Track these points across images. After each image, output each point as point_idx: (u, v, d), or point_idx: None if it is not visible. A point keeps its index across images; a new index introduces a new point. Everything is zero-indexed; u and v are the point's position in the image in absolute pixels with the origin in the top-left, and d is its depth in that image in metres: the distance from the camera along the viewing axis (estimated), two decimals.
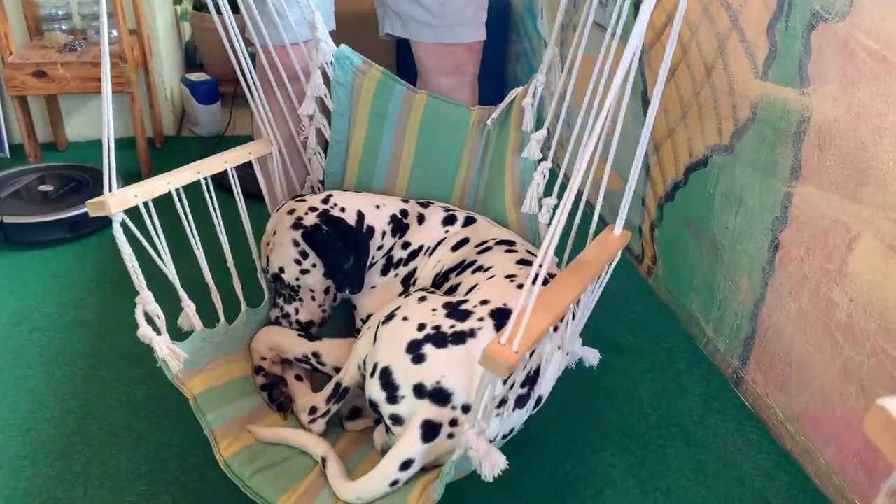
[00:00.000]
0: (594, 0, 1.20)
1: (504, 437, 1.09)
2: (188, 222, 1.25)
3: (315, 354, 1.30)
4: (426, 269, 1.34)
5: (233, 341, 1.33)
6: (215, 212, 1.29)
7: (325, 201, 1.37)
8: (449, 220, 1.40)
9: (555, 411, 1.46)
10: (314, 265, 1.33)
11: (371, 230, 1.37)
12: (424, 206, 1.42)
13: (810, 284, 1.31)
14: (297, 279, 1.35)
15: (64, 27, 2.39)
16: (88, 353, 1.59)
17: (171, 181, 1.23)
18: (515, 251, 1.28)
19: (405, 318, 1.12)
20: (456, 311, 1.11)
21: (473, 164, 1.52)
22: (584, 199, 1.24)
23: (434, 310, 1.12)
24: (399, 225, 1.39)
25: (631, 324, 1.77)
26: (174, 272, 1.21)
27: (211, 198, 1.28)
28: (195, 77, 2.78)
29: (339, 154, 1.56)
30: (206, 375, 1.23)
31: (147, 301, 1.16)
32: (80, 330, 1.67)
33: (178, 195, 1.24)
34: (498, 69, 2.99)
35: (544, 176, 1.39)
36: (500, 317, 1.09)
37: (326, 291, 1.38)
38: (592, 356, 1.27)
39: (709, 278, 1.64)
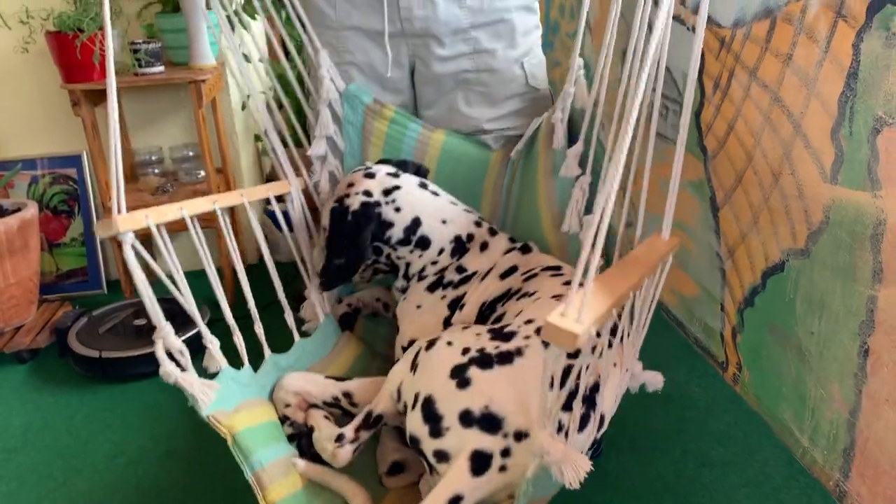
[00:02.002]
0: (655, 111, 1.22)
1: None
2: (205, 254, 1.22)
3: (347, 395, 1.21)
4: (474, 297, 1.29)
5: (260, 389, 1.27)
6: (233, 245, 1.28)
7: (387, 193, 1.33)
8: (509, 251, 1.36)
9: None
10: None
11: (425, 241, 1.33)
12: (493, 233, 1.37)
13: None
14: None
15: (157, 171, 2.58)
16: (181, 486, 1.64)
17: (184, 207, 1.21)
18: (561, 274, 1.24)
19: (449, 343, 1.06)
20: (501, 334, 1.05)
21: (498, 201, 1.51)
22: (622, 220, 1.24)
23: (479, 334, 1.07)
24: (460, 248, 1.34)
25: (719, 434, 1.71)
26: (193, 305, 1.16)
27: (227, 232, 1.27)
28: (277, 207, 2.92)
29: None
30: (241, 415, 1.15)
31: (167, 335, 1.10)
32: (173, 461, 1.72)
33: (192, 222, 1.22)
34: None
35: (584, 191, 1.34)
36: None
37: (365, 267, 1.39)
38: (655, 381, 1.16)
39: (798, 385, 1.59)
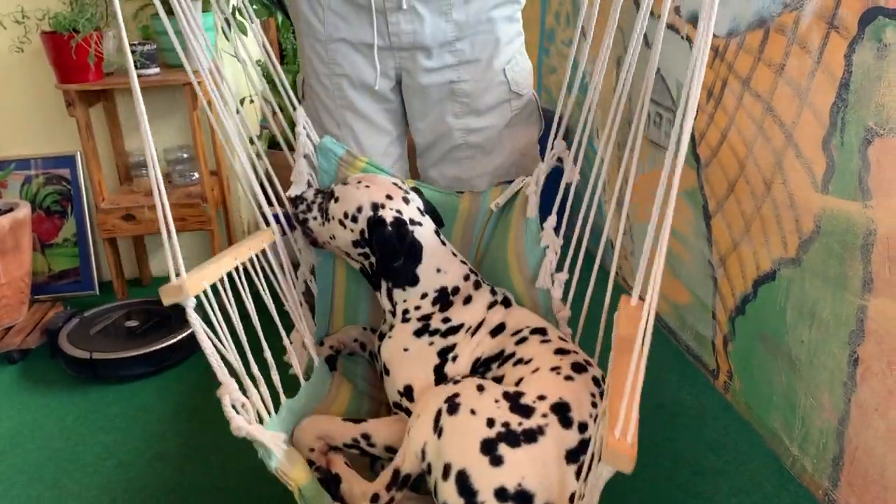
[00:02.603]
0: (642, 118, 1.23)
1: None
2: (232, 311, 1.21)
3: (365, 436, 1.28)
4: (466, 351, 1.33)
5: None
6: (247, 297, 1.27)
7: (412, 223, 1.38)
8: (491, 305, 1.39)
9: None
10: (352, 230, 1.38)
11: (414, 279, 1.38)
12: (477, 286, 1.41)
13: None
14: (333, 218, 1.39)
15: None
16: (170, 488, 1.63)
17: (222, 265, 1.22)
18: (549, 340, 1.30)
19: (472, 412, 1.10)
20: (518, 406, 1.12)
21: (467, 245, 1.57)
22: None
23: (497, 401, 1.13)
24: (444, 299, 1.37)
25: (711, 443, 1.72)
26: (239, 361, 1.16)
27: (245, 293, 1.26)
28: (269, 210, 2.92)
29: None
30: (301, 466, 1.21)
31: (232, 390, 1.11)
32: (162, 464, 1.71)
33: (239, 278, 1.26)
34: (553, 181, 3.05)
35: (556, 253, 1.45)
36: (562, 410, 1.11)
37: (338, 251, 1.44)
38: None
39: (788, 394, 1.59)
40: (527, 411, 1.11)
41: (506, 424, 1.08)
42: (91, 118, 2.39)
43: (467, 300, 1.39)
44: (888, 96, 1.23)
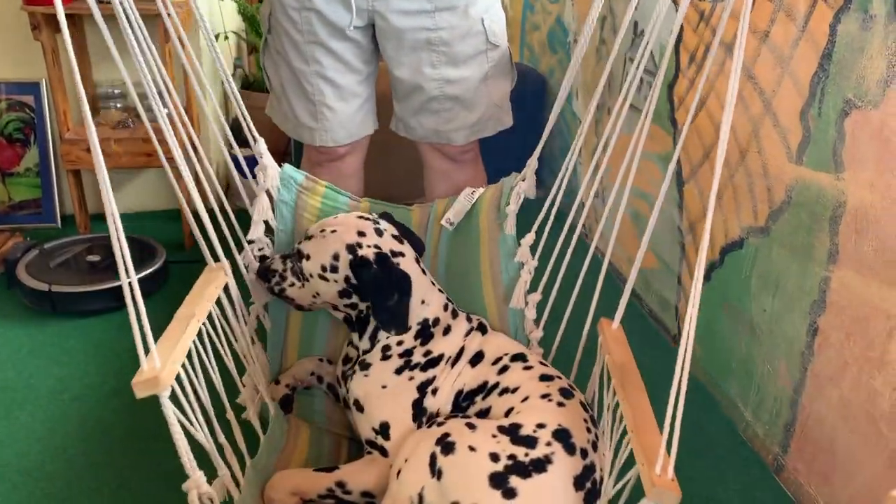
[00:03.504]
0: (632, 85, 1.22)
1: None
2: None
3: (339, 484, 1.21)
4: (447, 383, 1.29)
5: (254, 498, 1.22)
6: (209, 359, 1.15)
7: (394, 255, 1.30)
8: (468, 332, 1.36)
9: None
10: (335, 281, 1.29)
11: None
12: (455, 315, 1.37)
13: (851, 371, 1.29)
14: (312, 276, 1.31)
15: (119, 105, 2.51)
16: (126, 424, 1.62)
17: (189, 329, 1.09)
18: (532, 366, 1.28)
19: (472, 448, 1.08)
20: (519, 437, 1.10)
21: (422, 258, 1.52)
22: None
23: (494, 436, 1.10)
24: (425, 331, 1.33)
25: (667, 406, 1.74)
26: (211, 443, 1.08)
27: (205, 348, 1.15)
28: (241, 152, 2.87)
29: None
30: None
31: (200, 484, 1.02)
32: (119, 400, 1.69)
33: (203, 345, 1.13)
34: (533, 145, 3.04)
35: (531, 273, 1.45)
36: (564, 437, 1.10)
37: (325, 305, 1.36)
38: None
39: (747, 362, 1.62)
40: (530, 441, 1.09)
41: (512, 457, 1.06)
42: (58, 44, 2.31)
43: (446, 330, 1.34)
44: (869, 68, 1.23)
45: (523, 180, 1.46)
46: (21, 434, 1.58)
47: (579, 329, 1.31)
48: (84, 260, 2.20)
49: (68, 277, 2.08)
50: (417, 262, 1.35)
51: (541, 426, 1.12)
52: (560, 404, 1.17)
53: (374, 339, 1.33)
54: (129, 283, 0.92)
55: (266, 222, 1.47)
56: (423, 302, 1.32)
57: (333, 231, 1.31)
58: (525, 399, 1.20)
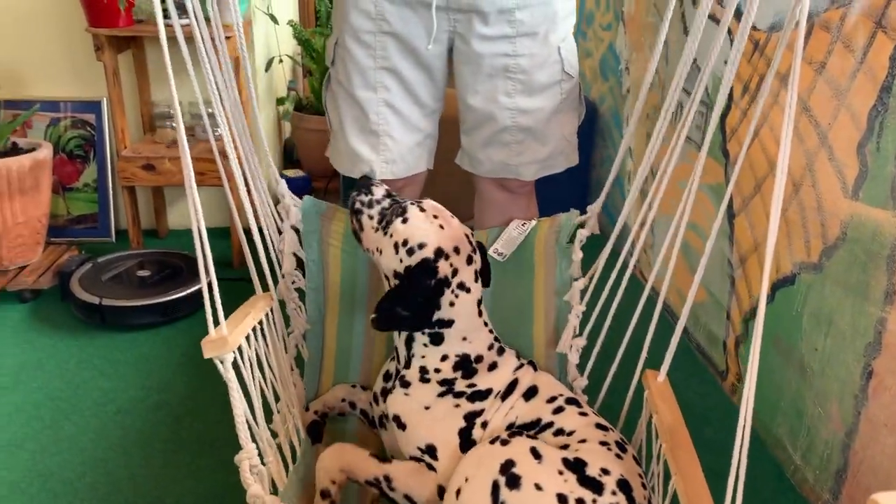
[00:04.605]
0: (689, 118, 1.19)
1: None
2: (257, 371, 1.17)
3: (387, 478, 1.21)
4: (499, 415, 1.26)
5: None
6: (268, 356, 1.23)
7: (460, 287, 1.26)
8: (519, 367, 1.33)
9: None
10: (400, 261, 1.24)
11: (439, 339, 1.29)
12: (501, 352, 1.33)
13: None
14: (392, 236, 1.25)
15: (174, 124, 2.57)
16: (167, 438, 1.64)
17: (251, 315, 1.18)
18: (587, 413, 1.25)
19: (538, 487, 1.05)
20: (586, 478, 1.06)
21: None
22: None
23: (560, 472, 1.07)
24: (466, 367, 1.29)
25: (713, 444, 1.68)
26: (264, 424, 1.14)
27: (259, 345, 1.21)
28: (290, 173, 2.92)
29: (316, 300, 1.53)
30: None
31: (252, 456, 1.06)
32: (162, 413, 1.72)
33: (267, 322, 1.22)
34: (581, 173, 3.02)
35: (578, 317, 1.43)
36: (627, 490, 1.07)
37: (378, 263, 1.31)
38: None
39: (797, 402, 1.56)
40: (597, 486, 1.06)
41: (580, 501, 1.03)
42: (119, 64, 2.39)
43: (492, 367, 1.30)
44: None
45: (583, 226, 1.45)
46: (65, 444, 1.61)
47: (625, 375, 1.27)
48: (135, 275, 2.25)
49: (119, 291, 2.13)
50: (478, 303, 1.30)
51: (605, 472, 1.08)
52: (618, 456, 1.13)
53: (409, 348, 1.30)
54: (204, 254, 1.00)
55: (295, 255, 1.49)
56: (464, 339, 1.28)
57: (441, 226, 1.26)
58: (583, 441, 1.16)
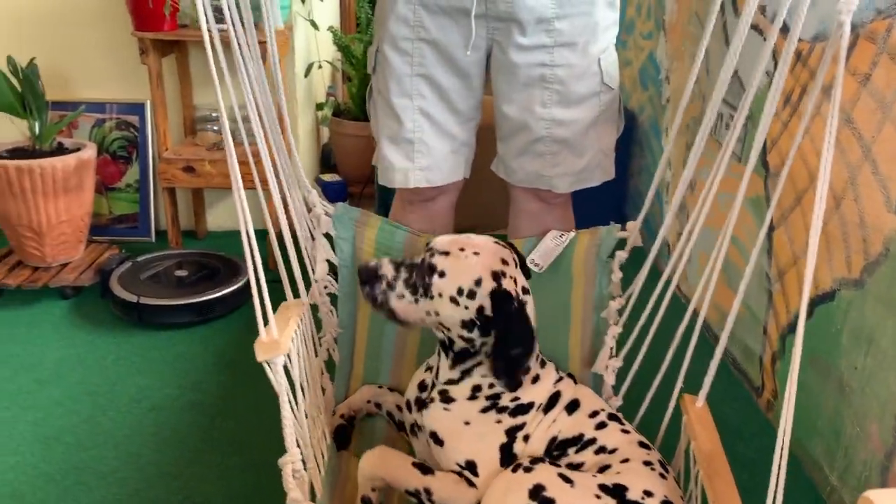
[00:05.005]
0: (734, 135, 1.17)
1: None
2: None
3: (427, 491, 1.18)
4: (540, 429, 1.23)
5: None
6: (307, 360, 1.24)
7: (524, 291, 1.23)
8: (559, 380, 1.30)
9: None
10: (466, 308, 1.18)
11: None
12: (542, 365, 1.30)
13: None
14: (441, 295, 1.19)
15: (215, 128, 2.61)
16: (198, 436, 1.66)
17: (292, 316, 1.20)
18: (629, 431, 1.23)
19: None
20: (626, 502, 1.04)
21: None
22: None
23: (598, 496, 1.05)
24: None
25: (747, 462, 1.66)
26: (307, 429, 1.15)
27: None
28: (328, 177, 2.95)
29: (348, 305, 1.53)
30: None
31: (295, 460, 1.05)
32: (195, 412, 1.74)
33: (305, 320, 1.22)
34: (620, 183, 2.99)
35: (614, 338, 1.41)
36: None
37: (437, 326, 1.23)
38: None
39: (834, 421, 1.52)
40: None
41: None
42: (163, 68, 2.43)
43: (535, 379, 1.27)
44: None
45: (622, 245, 1.43)
46: (101, 438, 1.64)
47: (661, 395, 1.25)
48: (173, 274, 2.29)
49: (157, 290, 2.17)
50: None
51: (648, 494, 1.05)
52: (662, 476, 1.10)
53: (466, 374, 1.25)
54: (252, 255, 1.01)
55: (328, 260, 1.50)
56: None
57: (476, 253, 1.19)
58: (625, 461, 1.14)
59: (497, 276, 1.18)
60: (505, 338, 1.18)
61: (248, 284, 2.29)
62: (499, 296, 1.17)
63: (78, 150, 2.28)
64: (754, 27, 1.90)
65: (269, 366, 1.03)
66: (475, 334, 1.20)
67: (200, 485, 1.51)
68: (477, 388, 1.24)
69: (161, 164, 2.45)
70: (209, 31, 0.99)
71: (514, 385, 1.19)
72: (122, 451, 1.60)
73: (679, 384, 1.21)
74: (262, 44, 2.32)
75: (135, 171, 2.67)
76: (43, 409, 1.74)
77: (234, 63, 1.09)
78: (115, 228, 2.71)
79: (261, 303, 1.01)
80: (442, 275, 1.18)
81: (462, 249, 1.20)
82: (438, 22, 1.43)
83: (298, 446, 1.08)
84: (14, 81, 2.17)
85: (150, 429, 1.68)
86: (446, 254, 1.19)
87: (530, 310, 1.23)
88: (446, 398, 1.25)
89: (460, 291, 1.17)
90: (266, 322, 1.03)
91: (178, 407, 1.77)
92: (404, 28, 1.45)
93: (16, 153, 2.23)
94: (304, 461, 1.10)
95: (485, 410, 1.23)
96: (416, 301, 1.21)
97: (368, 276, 1.23)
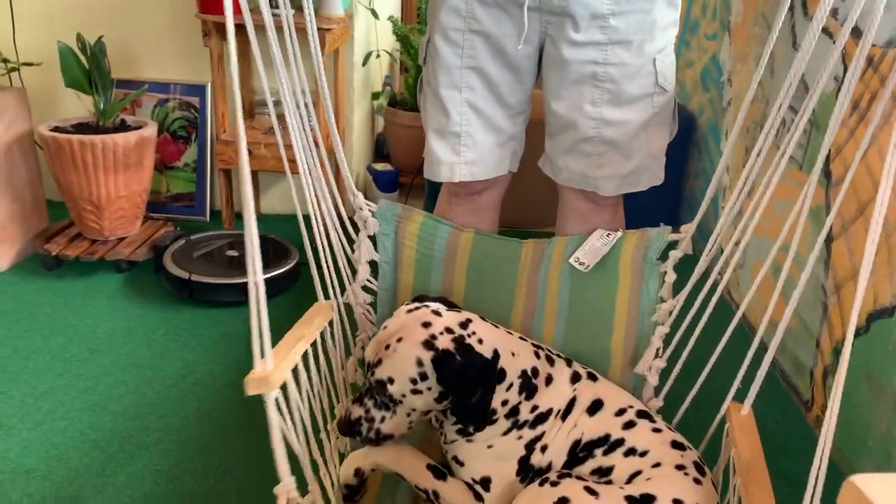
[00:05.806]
0: (793, 141, 1.13)
1: None
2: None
3: (435, 493, 1.18)
4: (560, 435, 1.20)
5: None
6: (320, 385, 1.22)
7: (464, 326, 1.20)
8: (575, 378, 1.27)
9: None
10: (429, 388, 1.15)
11: (503, 374, 1.21)
12: (551, 363, 1.27)
13: None
14: (404, 396, 1.16)
15: (269, 113, 2.65)
16: (239, 415, 1.69)
17: (303, 338, 1.17)
18: (661, 429, 1.18)
19: None
20: None
21: (533, 296, 1.46)
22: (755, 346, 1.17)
23: None
24: (528, 385, 1.23)
25: (791, 477, 1.61)
26: (308, 458, 1.11)
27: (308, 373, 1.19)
28: (380, 166, 2.96)
29: (387, 302, 1.52)
30: None
31: (290, 489, 1.01)
32: (237, 391, 1.77)
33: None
34: (675, 185, 2.94)
35: (661, 339, 1.37)
36: None
37: (426, 413, 1.22)
38: None
39: (886, 441, 1.47)
40: None
41: None
42: (224, 51, 2.48)
43: (548, 380, 1.24)
44: None
45: (675, 246, 1.39)
46: (145, 409, 1.68)
47: (702, 399, 1.22)
48: (224, 254, 2.33)
49: (208, 268, 2.21)
50: (483, 318, 1.26)
51: (678, 503, 1.02)
52: (696, 481, 1.07)
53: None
54: (255, 284, 0.92)
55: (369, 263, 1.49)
56: (513, 354, 1.23)
57: (399, 340, 1.16)
58: (656, 465, 1.10)
59: (429, 343, 1.15)
60: (459, 394, 1.16)
61: (297, 267, 2.33)
62: (439, 362, 1.14)
63: (140, 127, 2.34)
64: (824, 30, 1.84)
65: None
66: (452, 399, 1.18)
67: (237, 462, 1.53)
68: (492, 413, 1.20)
69: (218, 146, 2.50)
70: (274, 15, 0.98)
71: (483, 421, 1.18)
72: (164, 422, 1.64)
73: (732, 392, 1.17)
74: (319, 31, 2.35)
75: (193, 152, 2.72)
76: (93, 377, 1.79)
77: (287, 51, 1.09)
78: (171, 206, 2.77)
79: (259, 333, 0.95)
80: (391, 381, 1.15)
81: (387, 347, 1.17)
82: (491, 13, 1.41)
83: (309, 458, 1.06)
84: (82, 59, 2.24)
85: (193, 403, 1.72)
86: (379, 362, 1.17)
87: (478, 327, 1.20)
88: (467, 434, 1.23)
89: (414, 381, 1.15)
90: (262, 350, 0.97)
91: (221, 384, 1.80)
92: (456, 19, 1.43)
93: (80, 128, 2.30)
94: (318, 477, 1.09)
95: (506, 432, 1.21)
96: (395, 413, 1.19)
97: (350, 427, 1.20)
